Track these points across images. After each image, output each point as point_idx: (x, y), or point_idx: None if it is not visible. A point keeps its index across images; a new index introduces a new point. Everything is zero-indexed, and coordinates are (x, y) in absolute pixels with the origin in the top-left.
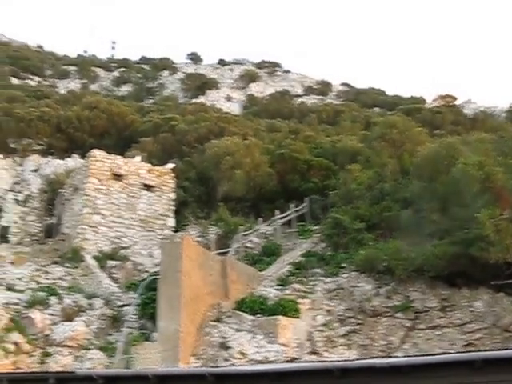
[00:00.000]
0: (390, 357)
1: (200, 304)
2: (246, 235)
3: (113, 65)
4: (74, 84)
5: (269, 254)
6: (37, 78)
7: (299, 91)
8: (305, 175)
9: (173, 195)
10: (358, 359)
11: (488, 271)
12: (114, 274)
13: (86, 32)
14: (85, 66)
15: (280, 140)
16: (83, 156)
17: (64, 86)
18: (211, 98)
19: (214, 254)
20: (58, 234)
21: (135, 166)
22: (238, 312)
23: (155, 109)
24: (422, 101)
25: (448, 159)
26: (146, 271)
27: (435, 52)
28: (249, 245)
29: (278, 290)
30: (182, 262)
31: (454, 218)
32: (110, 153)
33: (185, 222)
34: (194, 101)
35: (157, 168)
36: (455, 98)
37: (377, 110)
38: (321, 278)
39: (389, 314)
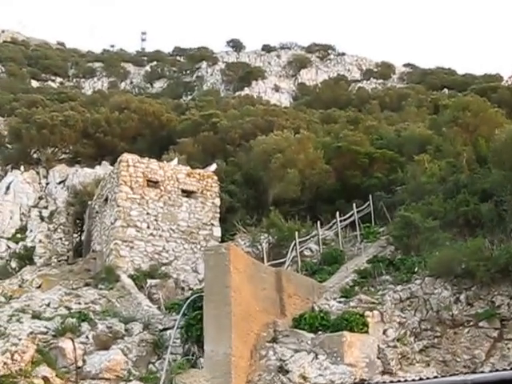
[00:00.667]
0: (475, 372)
1: (252, 323)
2: (302, 242)
3: (144, 59)
4: (100, 83)
5: (330, 262)
6: (59, 79)
7: (357, 76)
8: (367, 170)
9: (217, 201)
10: (438, 377)
11: None
12: (153, 294)
13: (112, 24)
14: (112, 61)
15: (337, 132)
16: (114, 162)
17: (90, 86)
18: (257, 90)
19: (266, 266)
20: (88, 251)
21: (173, 170)
22: (296, 330)
23: (194, 105)
24: (497, 78)
25: None
26: (191, 289)
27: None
28: (306, 253)
29: (341, 302)
30: (230, 276)
31: None
32: (143, 157)
33: (232, 231)
34: (237, 94)
35: (198, 171)
36: None
37: (446, 91)
38: (390, 287)
39: (471, 324)
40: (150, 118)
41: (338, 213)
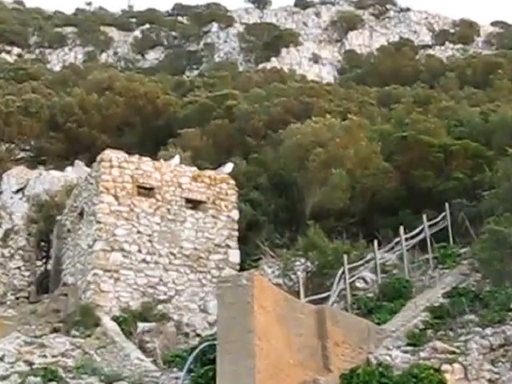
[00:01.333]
0: None
1: (285, 382)
2: (353, 269)
3: (132, 21)
4: (73, 55)
5: (392, 296)
6: (16, 50)
7: (426, 39)
8: (442, 169)
9: (235, 214)
10: None
11: None
12: (147, 342)
13: None
14: (89, 25)
15: (400, 117)
16: (91, 163)
17: (59, 59)
18: (288, 61)
19: (304, 303)
20: (57, 285)
21: (173, 172)
22: None
23: (201, 83)
24: None
25: None
26: (198, 335)
27: None
28: (359, 284)
29: (408, 352)
30: (254, 318)
31: None
32: (132, 154)
33: (256, 255)
34: (261, 66)
35: (207, 173)
36: None
37: None
38: (477, 330)
39: None
40: (142, 102)
41: (402, 228)
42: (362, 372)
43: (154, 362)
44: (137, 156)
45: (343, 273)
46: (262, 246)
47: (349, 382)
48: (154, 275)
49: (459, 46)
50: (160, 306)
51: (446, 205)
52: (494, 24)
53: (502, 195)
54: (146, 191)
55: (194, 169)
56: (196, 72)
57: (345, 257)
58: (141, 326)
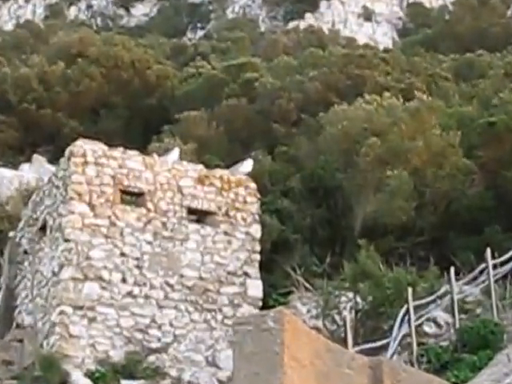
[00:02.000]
0: None
1: None
2: (421, 308)
3: None
4: (30, 9)
5: (475, 345)
6: None
7: None
8: None
9: (256, 230)
10: None
11: None
12: None
13: None
14: None
15: (486, 96)
16: (57, 157)
17: (10, 16)
18: (329, 18)
19: (353, 354)
20: (9, 328)
21: (171, 171)
22: None
23: (209, 48)
24: None
25: None
26: None
27: None
28: (429, 329)
29: None
30: (285, 374)
31: None
32: (114, 146)
33: (285, 288)
34: (291, 25)
35: (218, 173)
36: None
37: None
38: None
39: None
40: (126, 74)
41: (488, 251)
42: None
43: None
44: (120, 149)
45: (407, 313)
46: (294, 274)
47: None
48: (144, 314)
49: None
50: (152, 358)
51: None
52: None
53: None
54: (132, 198)
55: (200, 167)
56: (201, 33)
57: (409, 290)
58: None
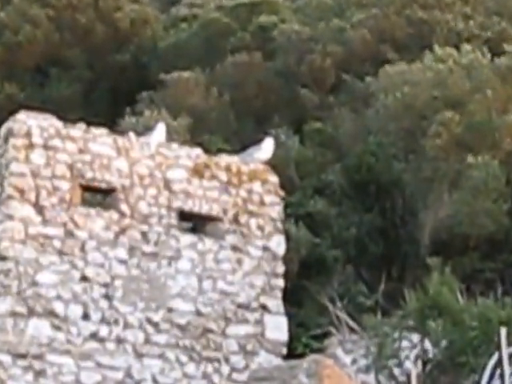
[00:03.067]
0: None
1: None
2: None
3: None
4: None
5: None
6: None
7: None
8: None
9: (279, 243)
10: None
11: None
12: None
13: None
14: None
15: None
16: None
17: None
18: None
19: None
20: None
21: (154, 157)
22: None
23: None
24: None
25: None
26: None
27: None
28: None
29: None
30: None
31: None
32: (70, 120)
33: (320, 326)
34: None
35: (224, 160)
36: None
37: None
38: None
39: None
40: (85, 17)
41: None
42: None
43: None
44: (81, 126)
45: (500, 363)
46: (333, 308)
47: None
48: (116, 366)
49: None
50: None
51: None
52: None
53: None
54: (99, 197)
55: (197, 152)
56: None
57: (503, 331)
58: None
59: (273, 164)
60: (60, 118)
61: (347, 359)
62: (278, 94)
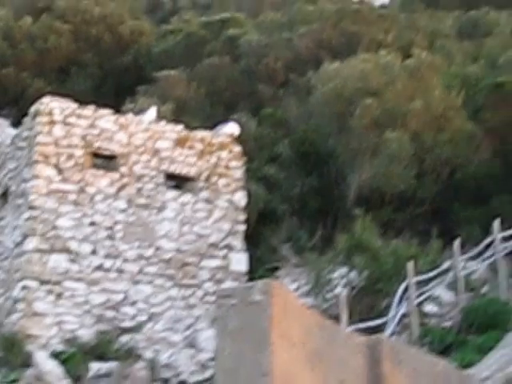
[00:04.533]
0: None
1: None
2: (423, 284)
3: None
4: None
5: (482, 326)
6: None
7: None
8: None
9: (241, 198)
10: None
11: None
12: None
13: None
14: None
15: (492, 54)
16: (20, 117)
17: None
18: None
19: (348, 333)
20: None
21: (147, 131)
22: None
23: (189, 3)
24: None
25: None
26: (183, 383)
27: None
28: (431, 308)
29: None
30: (273, 354)
31: None
32: (84, 103)
33: (272, 262)
34: None
35: (200, 135)
36: None
37: None
38: None
39: None
40: (97, 30)
41: (496, 223)
42: None
43: None
44: (91, 107)
45: (407, 290)
46: (282, 248)
47: None
48: (117, 290)
49: None
50: (125, 338)
51: None
52: None
53: None
54: (105, 161)
55: (180, 128)
56: None
57: (409, 265)
58: (95, 366)
59: (237, 139)
60: (77, 101)
61: (293, 286)
62: (241, 87)
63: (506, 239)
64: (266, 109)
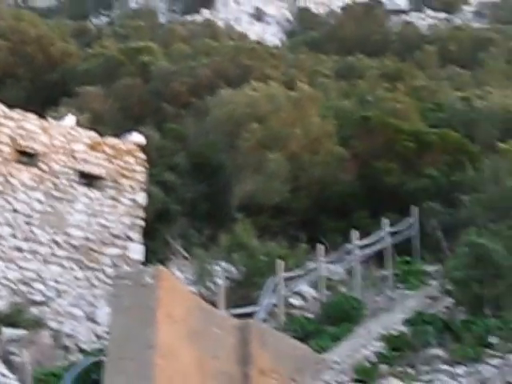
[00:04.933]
0: None
1: None
2: (290, 281)
3: None
4: None
5: (337, 319)
6: None
7: (402, 3)
8: (412, 163)
9: (142, 198)
10: None
11: None
12: (13, 354)
13: None
14: None
15: (363, 93)
16: None
17: None
18: (224, 15)
19: (224, 316)
20: None
21: (66, 135)
22: None
23: (111, 32)
24: None
25: None
26: (82, 351)
27: None
28: (296, 301)
29: None
30: (158, 329)
31: None
32: (13, 107)
33: (164, 253)
34: (190, 18)
35: (110, 141)
36: None
37: None
38: (446, 369)
39: None
40: (31, 49)
41: (354, 234)
42: None
43: (22, 380)
44: (20, 111)
45: (276, 284)
46: (174, 243)
47: None
48: (30, 268)
49: (443, 14)
50: (34, 310)
51: (414, 209)
52: None
53: (486, 201)
54: (27, 158)
55: (94, 134)
56: (105, 19)
57: (279, 263)
58: (7, 332)
59: (141, 148)
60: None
61: (181, 276)
62: (149, 105)
63: (361, 248)
64: (168, 124)
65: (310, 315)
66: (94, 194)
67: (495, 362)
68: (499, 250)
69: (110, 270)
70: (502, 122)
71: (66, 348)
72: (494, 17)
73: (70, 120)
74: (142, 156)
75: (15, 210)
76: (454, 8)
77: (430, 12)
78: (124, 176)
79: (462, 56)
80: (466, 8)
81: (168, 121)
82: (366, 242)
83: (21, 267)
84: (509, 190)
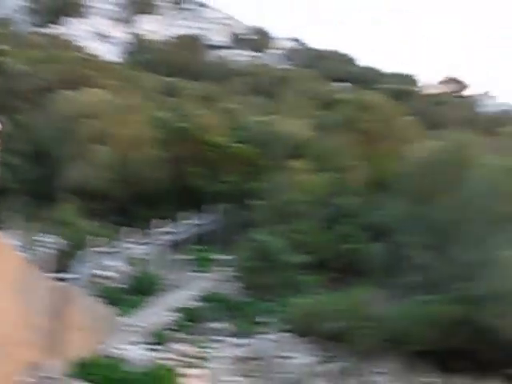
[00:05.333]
0: None
1: (7, 359)
2: (101, 255)
3: None
4: None
5: (140, 290)
6: None
7: (221, 40)
8: (217, 169)
9: None
10: None
11: (504, 350)
12: None
13: None
14: None
15: (182, 108)
16: None
17: None
18: (74, 31)
19: (46, 277)
20: None
21: None
22: (74, 381)
23: None
24: (412, 81)
25: (457, 167)
26: None
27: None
28: (107, 272)
29: (150, 350)
30: None
31: (456, 260)
32: None
33: (2, 223)
34: (47, 31)
35: None
36: (465, 86)
37: (344, 85)
38: (226, 339)
39: None
40: None
41: (160, 221)
42: (94, 363)
43: None
44: None
45: (92, 256)
46: (12, 214)
47: (78, 371)
48: None
49: (254, 53)
50: None
51: (217, 207)
52: (290, 40)
53: (271, 207)
54: None
55: None
56: None
57: (91, 238)
58: None
59: None
60: None
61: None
62: (3, 101)
63: (167, 234)
64: (19, 116)
65: (118, 285)
66: None
67: (268, 337)
68: (277, 246)
69: None
70: (291, 144)
71: None
72: (295, 60)
73: None
74: None
75: None
76: (264, 49)
77: (242, 51)
78: None
79: (268, 88)
80: (274, 51)
81: (19, 114)
82: (170, 229)
83: None
84: (291, 200)
